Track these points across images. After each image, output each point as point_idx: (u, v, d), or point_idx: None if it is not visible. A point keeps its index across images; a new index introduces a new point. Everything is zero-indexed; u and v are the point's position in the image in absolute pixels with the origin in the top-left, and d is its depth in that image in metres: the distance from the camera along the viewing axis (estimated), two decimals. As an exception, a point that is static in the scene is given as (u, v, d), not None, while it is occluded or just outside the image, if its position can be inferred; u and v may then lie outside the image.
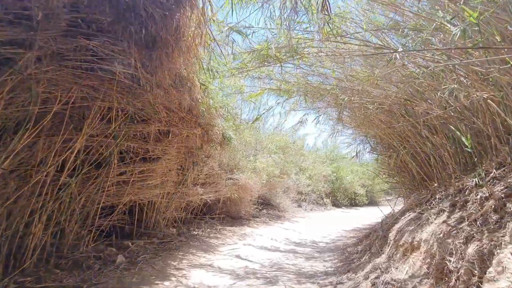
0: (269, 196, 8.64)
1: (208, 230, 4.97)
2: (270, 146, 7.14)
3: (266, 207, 8.55)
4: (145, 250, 3.50)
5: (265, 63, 3.05)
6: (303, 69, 3.42)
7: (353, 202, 12.40)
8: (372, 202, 13.27)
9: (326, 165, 11.92)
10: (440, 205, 2.33)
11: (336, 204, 11.53)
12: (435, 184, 3.19)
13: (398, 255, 2.36)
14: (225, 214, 6.24)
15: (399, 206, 5.46)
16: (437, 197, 2.76)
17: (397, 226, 2.79)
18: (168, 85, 2.49)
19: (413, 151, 3.33)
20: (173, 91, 2.56)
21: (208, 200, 5.08)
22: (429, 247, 2.03)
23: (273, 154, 6.88)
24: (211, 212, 5.78)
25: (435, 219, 2.21)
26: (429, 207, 2.69)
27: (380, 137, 3.88)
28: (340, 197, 11.89)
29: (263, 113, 4.47)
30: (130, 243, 3.47)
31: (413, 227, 2.41)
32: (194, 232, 4.68)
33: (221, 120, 4.19)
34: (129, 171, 3.47)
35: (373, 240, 3.32)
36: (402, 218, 2.92)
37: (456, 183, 2.45)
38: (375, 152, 5.92)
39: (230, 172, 6.02)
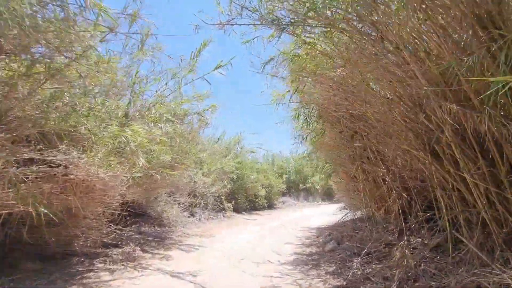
0: (145, 202, 5.12)
1: None
2: (161, 110, 3.77)
3: (139, 221, 4.99)
4: None
5: None
6: None
7: (253, 206, 10.42)
8: (270, 205, 11.84)
9: (228, 160, 9.35)
10: None
11: (236, 209, 9.13)
12: None
13: None
14: (18, 256, 2.41)
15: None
16: None
17: None
18: None
19: None
20: None
21: None
22: None
23: (164, 124, 3.56)
24: None
25: None
26: None
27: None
28: (241, 199, 9.61)
29: None
30: None
31: None
32: None
33: None
34: None
35: None
36: None
37: None
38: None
39: (46, 147, 2.29)
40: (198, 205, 7.29)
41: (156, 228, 5.03)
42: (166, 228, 5.19)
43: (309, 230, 6.08)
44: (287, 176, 15.58)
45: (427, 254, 2.36)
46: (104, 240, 3.14)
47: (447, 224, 2.13)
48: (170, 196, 6.07)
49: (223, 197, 8.48)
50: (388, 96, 2.49)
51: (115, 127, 3.06)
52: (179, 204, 6.23)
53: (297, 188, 17.05)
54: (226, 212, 8.40)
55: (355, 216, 6.33)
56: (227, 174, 8.85)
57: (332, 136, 4.40)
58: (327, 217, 8.02)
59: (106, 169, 2.86)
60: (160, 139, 3.35)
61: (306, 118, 4.48)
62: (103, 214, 3.29)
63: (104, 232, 3.19)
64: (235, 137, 10.60)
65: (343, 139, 4.14)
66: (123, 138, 2.78)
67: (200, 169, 8.00)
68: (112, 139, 2.93)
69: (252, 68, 3.38)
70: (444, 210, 2.16)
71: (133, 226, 4.74)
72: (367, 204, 3.95)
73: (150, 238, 4.33)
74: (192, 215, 6.76)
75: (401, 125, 2.45)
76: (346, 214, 6.38)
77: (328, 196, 17.75)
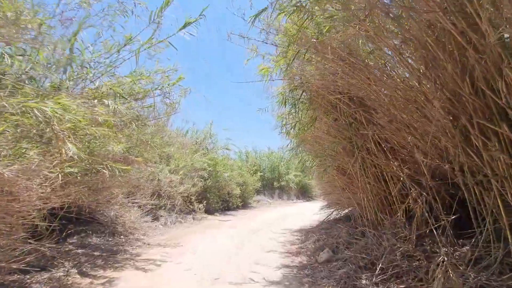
0: (94, 206, 4.07)
1: None
2: (109, 84, 2.81)
3: (85, 229, 3.95)
4: None
5: None
6: None
7: (226, 206, 9.59)
8: (245, 204, 11.11)
9: (199, 155, 8.42)
10: None
11: (208, 210, 8.24)
12: None
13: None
14: None
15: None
16: None
17: None
18: None
19: None
20: None
21: None
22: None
23: (113, 101, 2.63)
24: None
25: None
26: None
27: None
28: (214, 199, 8.73)
29: None
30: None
31: None
32: None
33: None
34: None
35: None
36: None
37: None
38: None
39: None
40: (163, 207, 6.29)
41: (107, 238, 4.02)
42: (122, 237, 4.20)
43: (292, 233, 5.46)
44: (261, 173, 14.94)
45: (469, 272, 1.79)
46: (14, 267, 2.14)
47: (508, 232, 1.56)
48: (128, 197, 5.05)
49: (193, 197, 7.54)
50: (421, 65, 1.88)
51: (33, 99, 2.09)
52: (139, 207, 5.23)
53: (272, 186, 16.53)
54: (196, 213, 7.48)
55: (339, 215, 5.85)
56: (197, 171, 7.92)
57: (324, 125, 3.77)
58: (306, 216, 7.51)
59: (14, 161, 1.90)
60: (105, 121, 2.42)
61: (294, 104, 3.79)
62: (21, 226, 2.29)
63: (17, 253, 2.19)
64: (205, 129, 9.67)
65: (339, 128, 3.54)
66: (38, 114, 1.83)
67: (167, 165, 7.00)
68: (25, 117, 1.97)
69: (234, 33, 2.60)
70: (504, 214, 1.58)
71: (75, 237, 3.70)
72: (369, 204, 3.37)
73: (96, 253, 3.35)
74: (156, 219, 5.77)
75: (435, 105, 1.84)
76: (330, 214, 5.89)
77: (302, 194, 17.47)
